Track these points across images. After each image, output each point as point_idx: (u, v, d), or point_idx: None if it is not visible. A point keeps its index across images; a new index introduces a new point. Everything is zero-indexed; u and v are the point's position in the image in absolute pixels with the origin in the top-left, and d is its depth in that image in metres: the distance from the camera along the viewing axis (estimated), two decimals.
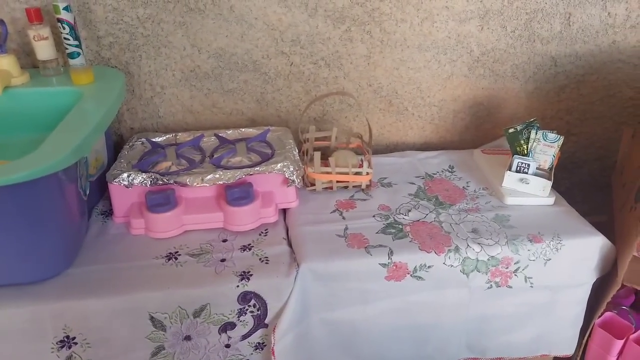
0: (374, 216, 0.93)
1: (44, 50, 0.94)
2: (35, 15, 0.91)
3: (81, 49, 0.94)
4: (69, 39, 0.92)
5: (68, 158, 0.70)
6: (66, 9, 0.90)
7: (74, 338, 0.75)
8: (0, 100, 0.89)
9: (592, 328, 0.96)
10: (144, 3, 0.99)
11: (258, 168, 0.92)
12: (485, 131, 1.27)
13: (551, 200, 0.97)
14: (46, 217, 0.74)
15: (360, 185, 1.02)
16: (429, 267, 0.84)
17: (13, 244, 0.72)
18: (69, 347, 0.76)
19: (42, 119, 0.90)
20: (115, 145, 1.08)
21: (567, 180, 1.37)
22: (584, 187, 1.38)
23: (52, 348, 0.75)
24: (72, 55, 0.93)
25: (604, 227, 0.95)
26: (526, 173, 0.97)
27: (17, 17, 0.97)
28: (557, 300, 0.91)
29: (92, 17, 0.99)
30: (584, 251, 0.89)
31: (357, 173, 1.00)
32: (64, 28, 0.91)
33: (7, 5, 0.96)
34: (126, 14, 0.99)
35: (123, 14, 0.99)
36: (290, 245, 0.88)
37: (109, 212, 0.94)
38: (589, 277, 0.91)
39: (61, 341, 0.75)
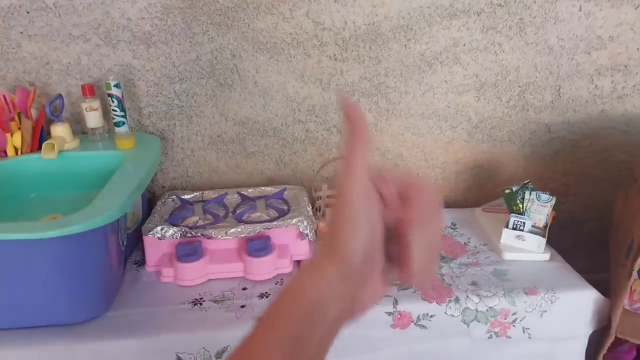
0: None
1: (93, 119, 1.09)
2: (89, 91, 1.07)
3: (126, 118, 1.09)
4: (116, 111, 1.07)
5: (115, 213, 0.82)
6: (117, 85, 1.05)
7: None
8: (55, 162, 1.03)
9: None
10: (181, 79, 1.14)
11: (275, 222, 1.02)
12: (486, 191, 1.36)
13: (547, 256, 1.04)
14: (92, 264, 0.84)
15: None
16: (431, 316, 0.90)
17: (61, 288, 0.82)
18: None
19: (89, 178, 1.03)
20: (148, 201, 1.20)
21: (569, 238, 1.43)
22: (586, 246, 1.44)
23: None
24: (117, 124, 1.08)
25: (605, 284, 1.01)
26: (522, 230, 1.05)
27: (72, 91, 1.13)
28: (556, 351, 0.96)
29: (136, 91, 1.14)
30: (578, 304, 0.95)
31: None
32: (112, 101, 1.06)
33: (65, 82, 1.13)
34: (165, 88, 1.15)
35: (162, 88, 1.15)
36: None
37: (141, 262, 1.04)
38: (584, 330, 0.96)
39: None
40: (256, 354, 0.35)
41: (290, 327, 0.35)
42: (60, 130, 1.06)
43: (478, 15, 1.15)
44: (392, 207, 0.38)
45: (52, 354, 0.81)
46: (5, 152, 1.03)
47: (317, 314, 0.36)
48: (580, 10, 1.17)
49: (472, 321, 0.91)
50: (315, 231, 1.08)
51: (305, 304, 0.36)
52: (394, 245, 0.39)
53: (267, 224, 1.02)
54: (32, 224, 0.82)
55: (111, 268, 0.91)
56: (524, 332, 0.93)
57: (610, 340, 0.92)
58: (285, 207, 1.10)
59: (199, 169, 1.25)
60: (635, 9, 1.16)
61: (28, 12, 1.04)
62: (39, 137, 1.06)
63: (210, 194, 1.17)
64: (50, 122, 1.07)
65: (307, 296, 0.37)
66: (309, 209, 1.10)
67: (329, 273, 0.37)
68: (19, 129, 1.03)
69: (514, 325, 0.93)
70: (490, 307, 0.91)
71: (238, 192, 1.17)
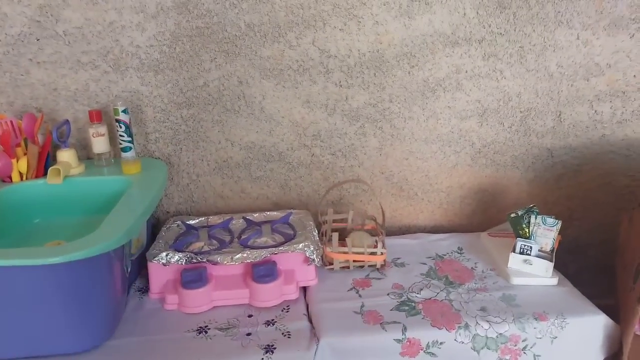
0: (388, 294, 1.00)
1: (100, 144, 1.10)
2: (96, 116, 1.08)
3: (133, 144, 1.09)
4: (123, 136, 1.07)
5: (120, 239, 0.81)
6: (124, 111, 1.06)
7: None
8: (61, 187, 1.02)
9: None
10: (188, 105, 1.16)
11: (282, 247, 1.01)
12: (491, 215, 1.36)
13: (554, 281, 1.03)
14: (96, 291, 0.83)
15: (375, 265, 1.10)
16: (441, 343, 0.89)
17: (63, 316, 0.80)
18: None
19: (95, 203, 1.03)
20: (153, 227, 1.19)
21: (574, 263, 1.42)
22: (591, 270, 1.43)
23: None
24: (124, 149, 1.09)
25: (612, 309, 1.00)
26: (529, 255, 1.04)
27: (79, 117, 1.14)
28: None
29: (143, 117, 1.15)
30: (588, 330, 0.93)
31: (372, 253, 1.09)
32: (120, 127, 1.07)
33: (72, 107, 1.13)
34: (172, 114, 1.16)
35: (169, 114, 1.16)
36: (310, 321, 0.94)
37: (145, 289, 1.03)
38: (596, 357, 0.95)
39: None
40: None
41: None
42: (66, 155, 1.06)
43: (479, 43, 1.17)
44: None
45: None
46: (10, 177, 1.03)
47: None
48: (578, 38, 1.19)
49: (482, 348, 0.90)
50: (322, 256, 1.07)
51: None
52: None
53: (273, 249, 1.01)
54: (36, 250, 0.81)
55: (115, 295, 0.90)
56: (534, 359, 0.92)
57: None
58: (291, 232, 1.10)
59: (204, 194, 1.24)
60: (631, 37, 1.19)
61: (38, 40, 1.06)
62: (45, 163, 1.06)
63: (215, 219, 1.16)
64: (56, 147, 1.07)
65: None
66: (315, 233, 1.09)
67: None
68: (25, 154, 1.04)
69: (524, 352, 0.91)
70: (500, 334, 0.90)
71: (243, 217, 1.17)
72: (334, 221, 1.22)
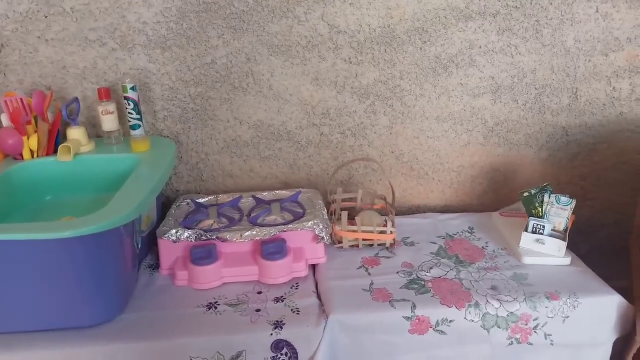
0: (397, 272, 1.00)
1: (109, 122, 1.10)
2: (105, 94, 1.07)
3: (141, 121, 1.09)
4: (132, 113, 1.07)
5: (130, 215, 0.81)
6: (133, 88, 1.06)
7: None
8: (71, 165, 1.03)
9: None
10: (196, 83, 1.15)
11: (291, 225, 1.01)
12: (503, 195, 1.34)
13: (567, 260, 1.02)
14: (107, 266, 0.84)
15: (384, 244, 1.10)
16: (450, 321, 0.89)
17: (77, 290, 0.81)
18: None
19: (104, 181, 1.03)
20: (163, 205, 1.20)
21: (586, 243, 1.40)
22: (604, 251, 1.41)
23: None
24: (133, 127, 1.08)
25: (624, 291, 0.98)
26: (541, 234, 1.03)
27: (87, 95, 1.14)
28: (579, 359, 0.93)
29: (151, 95, 1.15)
30: (601, 310, 0.92)
31: (381, 232, 1.08)
32: (128, 104, 1.07)
33: (81, 85, 1.13)
34: (180, 92, 1.15)
35: (177, 92, 1.15)
36: (319, 298, 0.94)
37: (155, 266, 1.04)
38: (608, 337, 0.94)
39: None
40: None
41: None
42: (76, 133, 1.06)
43: (494, 17, 1.14)
44: None
45: (70, 357, 0.80)
46: (21, 155, 1.03)
47: None
48: (597, 11, 1.15)
49: (492, 327, 0.89)
50: (330, 235, 1.07)
51: None
52: None
53: (282, 226, 1.01)
54: (48, 224, 0.82)
55: (126, 270, 0.90)
56: (545, 338, 0.91)
57: (635, 347, 0.89)
58: (301, 210, 1.09)
59: (212, 173, 1.24)
60: None
61: (46, 17, 1.05)
62: (55, 140, 1.06)
63: (224, 198, 1.16)
64: (66, 125, 1.08)
65: None
66: (324, 212, 1.09)
67: None
68: (36, 132, 1.04)
69: (535, 332, 0.90)
70: (511, 312, 0.89)
71: (252, 196, 1.17)
72: (343, 200, 1.21)
